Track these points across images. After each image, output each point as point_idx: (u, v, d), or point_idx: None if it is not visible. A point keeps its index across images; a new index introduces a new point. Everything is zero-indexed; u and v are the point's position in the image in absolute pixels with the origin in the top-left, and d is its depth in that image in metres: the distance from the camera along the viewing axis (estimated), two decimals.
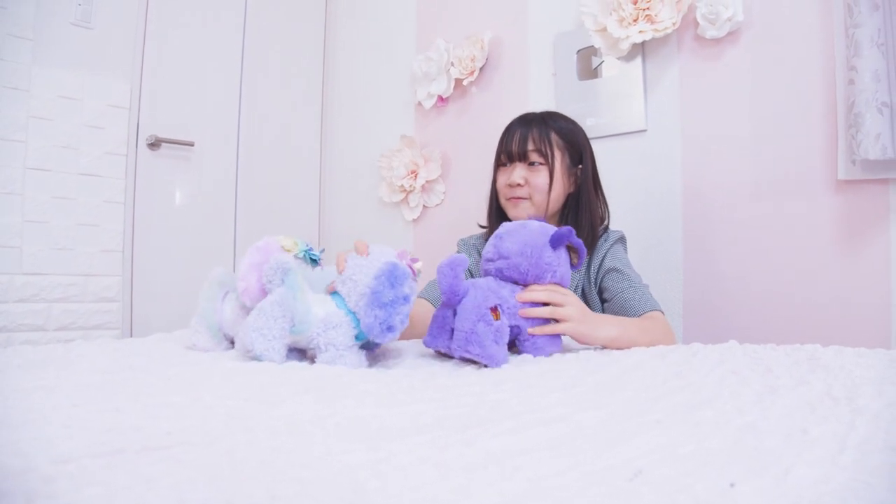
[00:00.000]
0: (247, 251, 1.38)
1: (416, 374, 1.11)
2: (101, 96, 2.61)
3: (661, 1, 2.20)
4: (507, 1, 2.84)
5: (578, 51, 2.53)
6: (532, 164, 1.84)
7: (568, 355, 1.31)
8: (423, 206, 3.10)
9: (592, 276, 1.80)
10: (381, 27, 3.41)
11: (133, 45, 2.75)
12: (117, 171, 2.65)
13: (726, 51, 2.18)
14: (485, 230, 2.03)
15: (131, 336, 2.65)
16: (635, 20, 2.25)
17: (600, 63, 2.47)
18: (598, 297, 1.80)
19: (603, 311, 1.78)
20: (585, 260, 1.79)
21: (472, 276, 1.93)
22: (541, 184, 1.82)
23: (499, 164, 1.93)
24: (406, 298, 1.19)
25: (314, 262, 1.38)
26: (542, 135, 1.83)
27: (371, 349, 1.34)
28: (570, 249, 1.45)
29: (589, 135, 1.95)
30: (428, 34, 3.14)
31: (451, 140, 3.02)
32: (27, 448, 0.60)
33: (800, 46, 2.03)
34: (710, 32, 2.15)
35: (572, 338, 1.38)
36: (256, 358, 1.18)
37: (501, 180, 1.91)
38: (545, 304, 1.36)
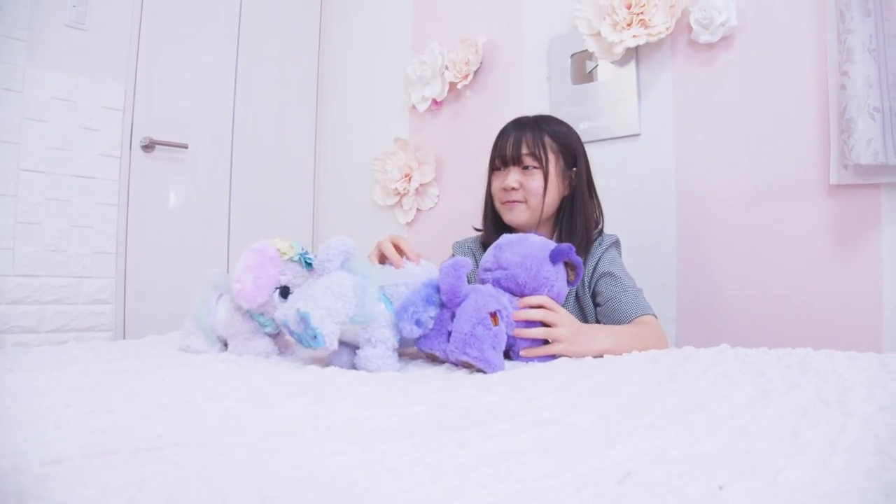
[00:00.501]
0: (242, 253, 1.38)
1: (409, 377, 1.11)
2: (96, 98, 2.61)
3: (654, 6, 2.21)
4: (502, 5, 2.84)
5: (572, 55, 2.54)
6: (526, 167, 1.84)
7: (562, 359, 1.32)
8: (417, 209, 3.11)
9: (587, 280, 1.80)
10: (375, 30, 3.41)
11: (127, 47, 2.75)
12: (111, 172, 2.65)
13: (720, 55, 2.19)
14: (480, 233, 2.03)
15: (124, 338, 2.65)
16: (629, 24, 2.25)
17: (594, 67, 2.47)
18: (592, 300, 1.80)
19: (596, 314, 1.78)
20: None
21: (468, 281, 1.93)
22: (535, 187, 1.82)
23: (493, 168, 1.93)
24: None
25: (308, 265, 1.37)
26: (535, 138, 1.83)
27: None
28: (568, 266, 1.46)
29: (583, 138, 1.95)
30: (423, 37, 3.14)
31: (445, 143, 3.02)
32: (19, 449, 0.60)
33: (793, 51, 2.04)
34: (704, 37, 2.16)
35: (566, 357, 1.37)
36: (314, 338, 1.13)
37: (496, 184, 1.91)
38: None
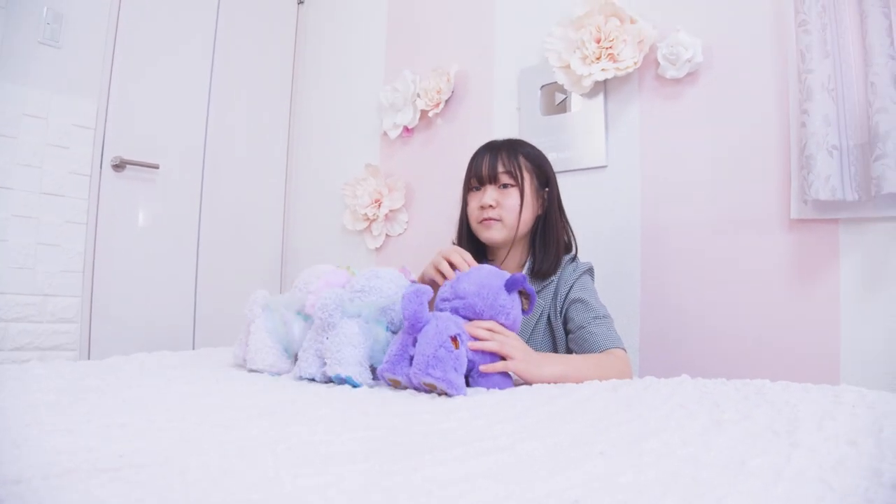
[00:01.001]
0: (321, 271, 1.65)
1: (370, 401, 1.12)
2: (67, 115, 2.60)
3: (623, 40, 2.25)
4: (474, 35, 2.88)
5: (542, 86, 2.58)
6: (503, 186, 1.86)
7: (522, 387, 1.33)
8: (386, 234, 3.12)
9: (559, 304, 1.81)
10: (349, 56, 3.44)
11: (101, 65, 2.75)
12: (81, 191, 2.64)
13: (685, 91, 2.23)
14: None
15: (89, 358, 2.63)
16: (598, 58, 2.29)
17: (563, 99, 2.51)
18: (563, 326, 1.81)
19: (567, 342, 1.80)
20: (553, 287, 1.82)
21: None
22: (512, 205, 1.85)
23: (469, 188, 1.95)
24: None
25: None
26: (511, 158, 1.86)
27: None
28: (522, 295, 1.48)
29: None
30: (396, 65, 3.17)
31: (415, 170, 3.04)
32: None
33: (756, 89, 2.09)
34: (671, 72, 2.20)
35: (517, 375, 1.39)
36: (352, 385, 1.34)
37: (473, 204, 1.93)
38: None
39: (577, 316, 1.75)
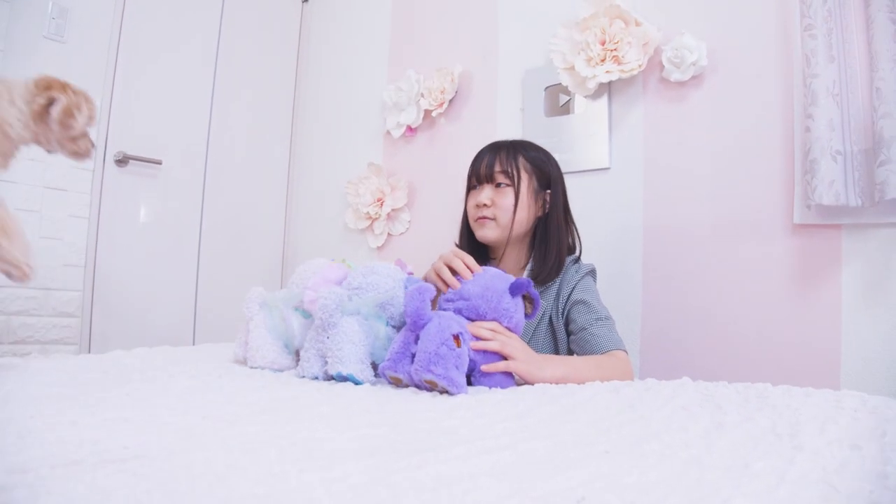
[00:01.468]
0: (316, 266, 1.65)
1: (371, 399, 1.12)
2: None
3: (628, 43, 2.25)
4: (478, 36, 2.88)
5: (546, 87, 2.58)
6: (499, 185, 1.87)
7: (524, 387, 1.33)
8: (388, 233, 3.12)
9: (561, 305, 1.81)
10: (353, 55, 3.44)
11: (105, 61, 2.75)
12: (83, 185, 2.64)
13: (690, 94, 2.23)
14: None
15: (89, 352, 2.63)
16: (602, 60, 2.30)
17: (567, 100, 2.51)
18: (564, 328, 1.81)
19: (568, 343, 1.80)
20: (555, 289, 1.82)
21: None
22: (506, 204, 1.85)
23: (469, 187, 1.95)
24: None
25: None
26: (509, 158, 1.86)
27: None
28: (526, 299, 1.49)
29: None
30: (399, 65, 3.17)
31: (418, 170, 3.05)
32: None
33: (760, 93, 2.09)
34: (675, 75, 2.21)
35: (519, 376, 1.39)
36: (354, 382, 1.33)
37: (470, 202, 1.94)
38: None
39: (578, 317, 1.75)
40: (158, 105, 2.98)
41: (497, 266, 1.74)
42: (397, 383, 1.33)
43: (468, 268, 1.53)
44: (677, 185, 2.24)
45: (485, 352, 1.36)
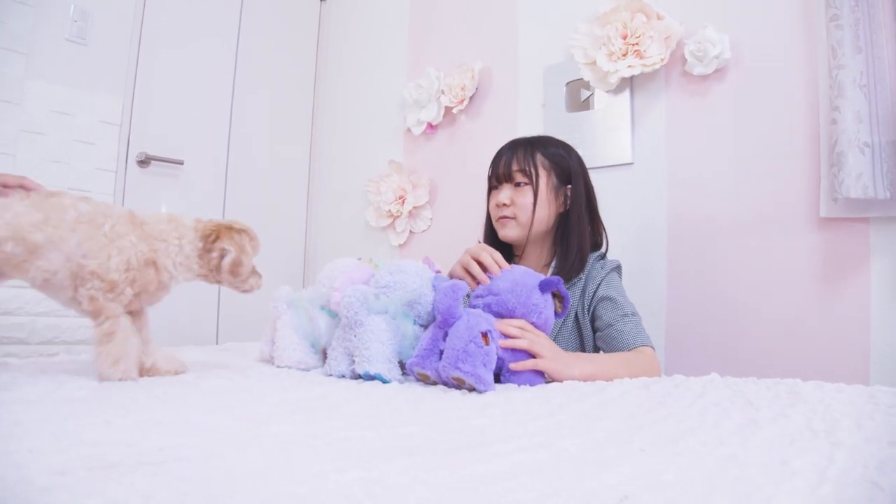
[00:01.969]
0: (343, 266, 1.65)
1: (401, 398, 1.12)
2: (93, 112, 2.62)
3: (650, 37, 2.24)
4: (498, 32, 2.87)
5: (568, 83, 2.57)
6: (518, 184, 1.86)
7: (553, 384, 1.33)
8: (410, 231, 3.12)
9: (586, 302, 1.80)
10: (372, 53, 3.44)
11: (126, 62, 2.77)
12: (106, 186, 2.65)
13: (713, 87, 2.22)
14: None
15: None
16: (624, 55, 2.28)
17: (589, 96, 2.50)
18: (591, 324, 1.80)
19: (594, 340, 1.79)
20: (581, 285, 1.81)
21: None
22: (525, 203, 1.84)
23: (491, 186, 1.95)
24: None
25: None
26: (526, 156, 1.86)
27: None
28: (556, 298, 1.48)
29: None
30: (419, 62, 3.17)
31: (439, 167, 3.04)
32: (23, 460, 0.61)
33: (785, 85, 2.07)
34: (698, 69, 2.19)
35: (547, 374, 1.39)
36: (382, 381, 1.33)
37: (491, 202, 1.94)
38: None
39: (605, 314, 1.74)
40: (179, 105, 3.00)
41: (519, 264, 1.73)
42: (425, 380, 1.33)
43: (496, 263, 1.53)
44: (701, 180, 2.22)
45: (513, 350, 1.36)
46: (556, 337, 1.79)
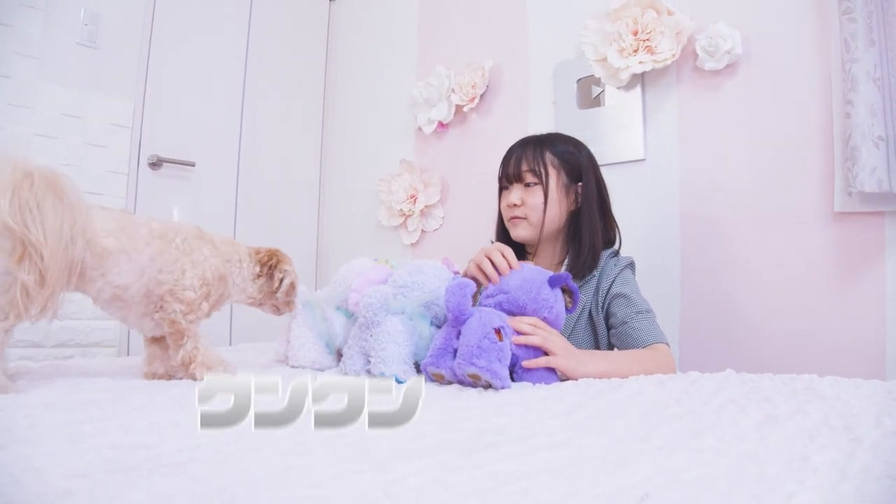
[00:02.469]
0: (360, 266, 1.67)
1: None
2: (105, 115, 2.62)
3: (661, 32, 2.23)
4: (508, 29, 2.87)
5: (578, 80, 2.56)
6: (528, 184, 1.86)
7: (568, 382, 1.32)
8: (422, 230, 3.11)
9: (600, 299, 1.79)
10: (382, 52, 3.44)
11: (137, 65, 2.77)
12: (119, 189, 2.66)
13: (725, 82, 2.21)
14: None
15: (128, 354, 2.65)
16: (635, 51, 2.27)
17: (600, 92, 2.49)
18: (605, 321, 1.79)
19: (608, 337, 1.79)
20: (594, 282, 1.80)
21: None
22: (536, 203, 1.84)
23: (501, 186, 1.95)
24: None
25: None
26: (536, 155, 1.85)
27: None
28: (566, 293, 1.48)
29: None
30: (428, 61, 3.16)
31: (450, 165, 3.04)
32: (40, 463, 0.61)
33: (797, 80, 2.06)
34: (709, 64, 2.18)
35: (560, 372, 1.38)
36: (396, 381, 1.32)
37: (503, 203, 1.93)
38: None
39: (619, 311, 1.73)
40: (190, 107, 3.00)
41: (532, 262, 1.73)
42: (439, 380, 1.33)
43: (507, 262, 1.53)
44: (714, 175, 2.21)
45: (526, 347, 1.35)
46: (569, 335, 1.78)
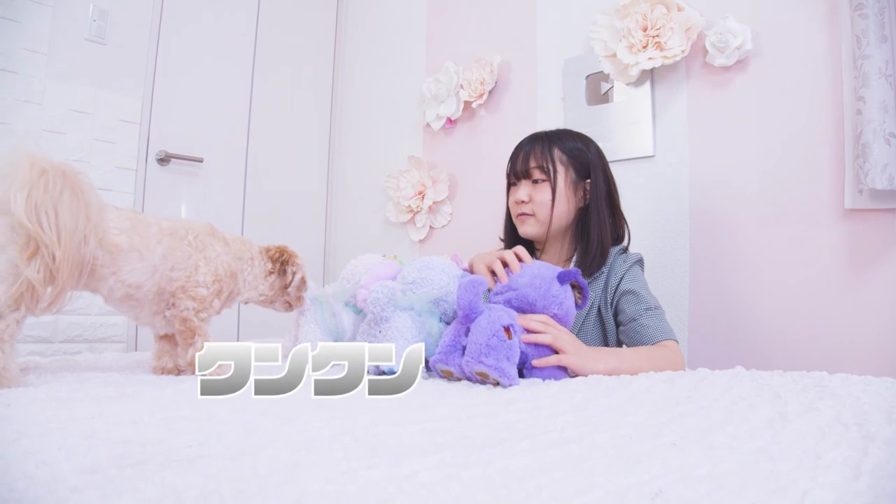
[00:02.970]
0: (368, 262, 1.66)
1: (426, 393, 1.11)
2: (113, 111, 2.63)
3: (670, 28, 2.22)
4: (517, 25, 2.86)
5: (588, 76, 2.55)
6: (536, 181, 1.85)
7: (577, 378, 1.32)
8: (430, 226, 3.11)
9: (609, 296, 1.79)
10: (390, 48, 3.44)
11: (145, 61, 2.78)
12: (127, 185, 2.67)
13: (734, 79, 2.20)
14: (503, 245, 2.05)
15: (136, 350, 2.66)
16: (645, 47, 2.27)
17: (609, 88, 2.48)
18: (613, 318, 1.79)
19: (617, 334, 1.79)
20: (603, 279, 1.80)
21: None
22: (544, 200, 1.84)
23: (509, 183, 1.95)
24: None
25: None
26: (543, 152, 1.85)
27: None
28: (575, 289, 1.47)
29: None
30: (437, 57, 3.16)
31: (458, 162, 3.03)
32: (52, 458, 0.61)
33: (808, 76, 2.05)
34: (719, 60, 2.17)
35: (570, 369, 1.38)
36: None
37: (511, 199, 1.93)
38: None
39: (628, 308, 1.73)
40: (198, 103, 3.01)
41: (541, 259, 1.73)
42: (448, 376, 1.33)
43: (520, 258, 1.53)
44: (724, 172, 2.20)
45: (536, 345, 1.35)
46: (578, 331, 1.78)
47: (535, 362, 1.34)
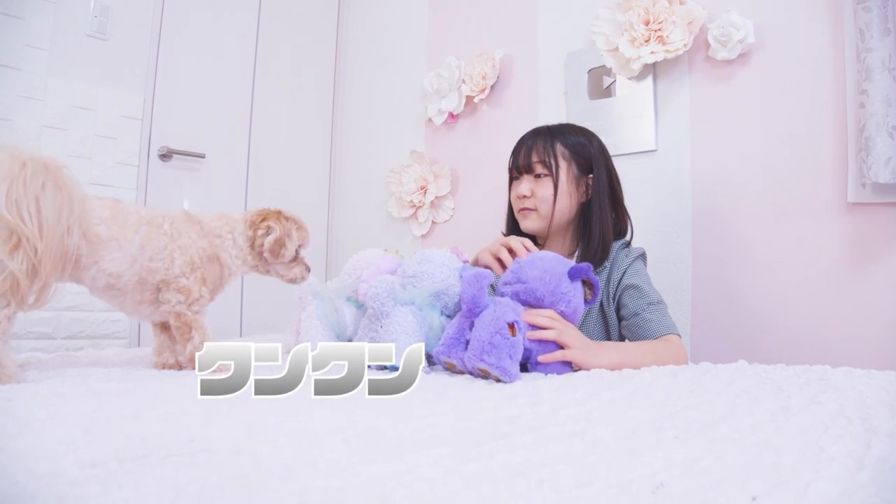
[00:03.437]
0: (370, 257, 1.66)
1: (428, 387, 1.11)
2: (115, 107, 2.62)
3: (672, 22, 2.21)
4: (518, 20, 2.86)
5: (590, 70, 2.55)
6: (538, 175, 1.85)
7: (580, 373, 1.32)
8: (432, 221, 3.11)
9: (612, 290, 1.79)
10: (392, 43, 3.43)
11: (147, 57, 2.77)
12: (129, 181, 2.66)
13: (737, 72, 2.19)
14: None
15: (139, 346, 2.66)
16: (647, 41, 2.26)
17: (611, 83, 2.48)
18: (616, 313, 1.79)
19: (619, 328, 1.78)
20: (605, 274, 1.80)
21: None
22: (546, 195, 1.83)
23: (511, 177, 1.94)
24: None
25: None
26: (546, 146, 1.84)
27: None
28: (585, 285, 1.47)
29: None
30: (439, 51, 3.15)
31: (461, 156, 3.03)
32: (53, 452, 0.61)
33: (811, 69, 2.04)
34: (722, 54, 2.16)
35: (575, 364, 1.38)
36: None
37: (512, 194, 1.93)
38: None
39: (631, 302, 1.73)
40: (200, 99, 3.00)
41: None
42: (451, 368, 1.33)
43: (526, 248, 1.53)
44: (726, 166, 2.19)
45: (541, 340, 1.35)
46: (581, 326, 1.78)
47: (540, 358, 1.34)
